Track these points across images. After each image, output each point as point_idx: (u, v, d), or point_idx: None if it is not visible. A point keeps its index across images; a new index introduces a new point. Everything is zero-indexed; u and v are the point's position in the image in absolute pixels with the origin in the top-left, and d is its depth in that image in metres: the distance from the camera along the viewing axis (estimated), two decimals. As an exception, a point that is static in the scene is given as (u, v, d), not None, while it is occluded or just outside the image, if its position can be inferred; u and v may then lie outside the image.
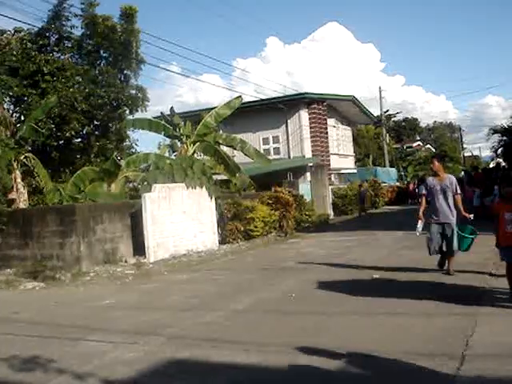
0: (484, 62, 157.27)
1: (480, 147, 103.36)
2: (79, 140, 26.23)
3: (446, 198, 10.80)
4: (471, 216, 10.82)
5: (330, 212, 31.70)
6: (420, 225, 11.17)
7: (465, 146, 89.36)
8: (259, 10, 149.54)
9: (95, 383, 5.92)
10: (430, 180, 11.20)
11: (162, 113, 25.45)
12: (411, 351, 6.16)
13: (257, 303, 9.72)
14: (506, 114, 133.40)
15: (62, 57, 26.06)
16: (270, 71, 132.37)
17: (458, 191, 10.94)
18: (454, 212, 10.83)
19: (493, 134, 31.46)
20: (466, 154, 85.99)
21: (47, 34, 25.88)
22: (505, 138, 29.81)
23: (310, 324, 7.88)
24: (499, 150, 30.72)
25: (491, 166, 38.72)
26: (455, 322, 7.34)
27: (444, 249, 10.89)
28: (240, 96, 24.93)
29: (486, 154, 64.98)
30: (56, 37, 26.09)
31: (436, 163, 11.17)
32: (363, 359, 6.14)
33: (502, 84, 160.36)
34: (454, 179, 11.11)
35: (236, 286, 11.77)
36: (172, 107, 23.98)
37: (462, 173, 40.72)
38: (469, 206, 21.83)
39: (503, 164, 31.00)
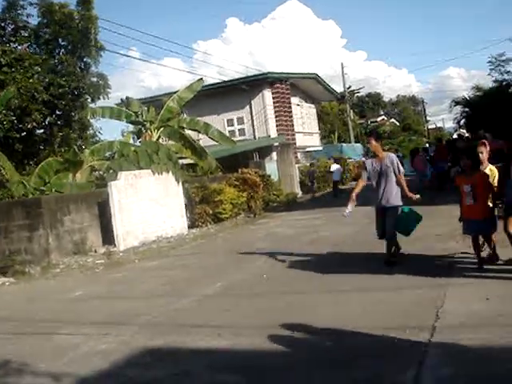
0: (445, 34, 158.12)
1: (443, 119, 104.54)
2: (42, 131, 25.91)
3: (387, 180, 9.64)
4: (417, 196, 9.65)
5: (298, 191, 31.77)
6: (350, 207, 9.90)
7: (428, 118, 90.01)
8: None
9: (70, 377, 5.89)
10: (369, 162, 10.00)
11: (122, 99, 25.24)
12: (383, 325, 6.24)
13: (228, 286, 9.75)
14: (468, 86, 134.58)
15: (20, 47, 25.64)
16: (231, 52, 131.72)
17: (401, 170, 9.77)
18: (399, 193, 9.71)
19: (455, 105, 31.79)
20: (430, 127, 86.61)
21: (2, 24, 25.41)
22: (467, 109, 30.12)
23: (282, 304, 7.92)
24: (462, 121, 31.03)
25: (454, 137, 39.10)
26: (425, 294, 7.43)
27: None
28: (201, 78, 24.84)
29: (450, 125, 65.54)
30: (12, 27, 25.63)
31: (373, 142, 9.89)
32: (336, 335, 6.22)
33: (463, 56, 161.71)
34: (394, 157, 9.89)
35: (207, 270, 11.80)
36: (127, 96, 23.80)
37: (427, 145, 41.10)
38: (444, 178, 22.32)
39: (466, 135, 31.35)
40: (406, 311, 6.79)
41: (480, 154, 8.99)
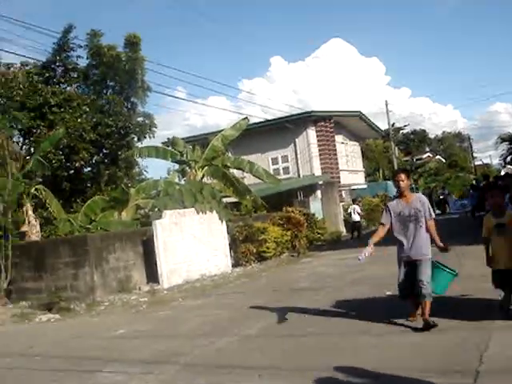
0: (490, 69, 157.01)
1: (490, 155, 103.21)
2: (89, 169, 26.49)
3: (417, 227, 8.12)
4: (450, 247, 8.29)
5: (342, 229, 31.60)
6: (366, 253, 8.30)
7: (475, 154, 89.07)
8: (261, 31, 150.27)
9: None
10: (394, 204, 8.47)
11: (168, 139, 25.62)
12: (425, 368, 6.14)
13: (269, 327, 9.70)
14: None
15: (69, 88, 26.41)
16: (275, 91, 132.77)
17: (432, 215, 8.30)
18: (429, 243, 8.20)
19: (501, 142, 31.47)
20: (476, 163, 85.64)
21: (53, 66, 26.25)
22: (513, 145, 29.79)
23: (323, 346, 7.86)
24: (508, 158, 30.70)
25: (502, 173, 38.58)
26: (468, 337, 7.30)
27: (416, 290, 8.07)
28: (246, 117, 25.06)
29: (497, 161, 64.75)
30: (62, 68, 26.47)
31: (405, 180, 8.36)
32: (379, 378, 6.14)
33: (510, 91, 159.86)
34: (424, 199, 8.45)
35: (249, 309, 11.76)
36: (173, 136, 24.11)
37: (474, 181, 40.58)
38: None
39: (513, 172, 30.90)
40: (448, 355, 6.68)
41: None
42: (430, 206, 8.33)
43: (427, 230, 8.21)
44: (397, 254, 8.41)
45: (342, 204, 33.33)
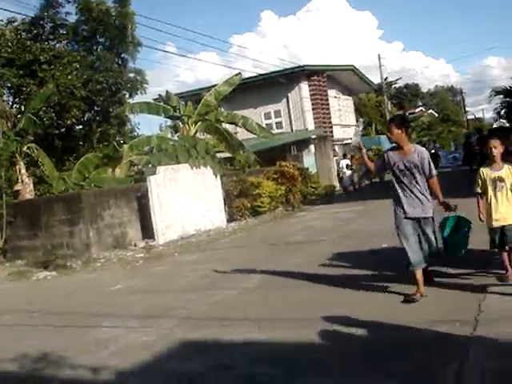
0: (483, 23, 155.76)
1: (483, 109, 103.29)
2: (81, 127, 26.36)
3: (413, 182, 7.29)
4: (455, 206, 7.42)
5: (336, 183, 31.66)
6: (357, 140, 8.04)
7: (467, 108, 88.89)
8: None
9: (112, 369, 5.96)
10: (390, 154, 7.51)
11: (160, 95, 25.37)
12: (426, 319, 6.16)
13: (266, 280, 9.73)
14: (508, 75, 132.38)
15: (58, 44, 26.10)
16: (267, 45, 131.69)
17: (433, 171, 7.37)
18: (430, 199, 7.38)
19: (495, 95, 31.29)
20: (469, 117, 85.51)
21: (41, 23, 25.87)
22: (507, 98, 29.62)
23: (322, 297, 7.87)
24: (502, 111, 30.58)
25: (494, 127, 38.51)
26: (467, 287, 7.31)
27: (426, 252, 7.33)
28: (239, 73, 24.82)
29: (490, 115, 64.59)
30: (50, 25, 26.10)
31: (394, 130, 7.32)
32: (377, 328, 6.18)
33: (503, 45, 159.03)
34: (425, 153, 7.42)
35: (245, 263, 11.78)
36: (167, 91, 23.89)
37: (473, 137, 40.63)
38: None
39: (507, 125, 30.79)
40: (449, 306, 6.71)
41: (493, 149, 7.36)
42: (430, 162, 7.33)
43: (429, 188, 7.35)
44: (393, 212, 7.50)
45: (335, 158, 33.31)
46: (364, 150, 8.00)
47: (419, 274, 7.20)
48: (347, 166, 29.49)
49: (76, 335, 7.67)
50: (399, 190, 7.36)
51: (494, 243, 7.45)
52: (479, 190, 7.56)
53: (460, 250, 7.64)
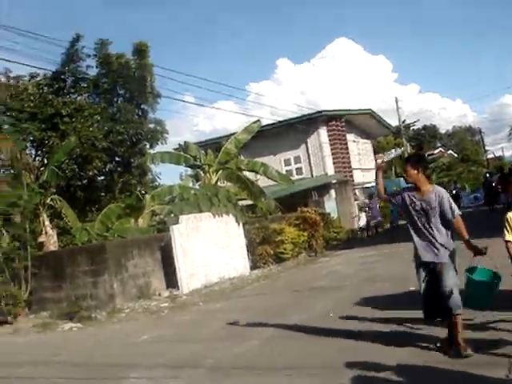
0: (497, 61, 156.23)
1: (502, 148, 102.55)
2: (102, 178, 26.57)
3: (429, 224, 6.79)
4: (485, 248, 6.59)
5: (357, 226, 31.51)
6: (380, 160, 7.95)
7: (487, 147, 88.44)
8: (266, 34, 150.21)
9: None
10: (408, 193, 7.08)
11: (179, 144, 25.58)
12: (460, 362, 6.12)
13: (292, 327, 9.61)
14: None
15: (79, 97, 26.48)
16: (283, 92, 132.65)
17: (456, 212, 6.76)
18: (449, 244, 6.78)
19: (514, 133, 31.27)
20: (488, 156, 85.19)
21: (62, 77, 26.30)
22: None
23: (349, 344, 7.80)
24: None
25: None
26: (498, 329, 7.22)
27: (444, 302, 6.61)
28: (258, 120, 25.07)
29: (510, 153, 64.44)
30: (72, 78, 26.54)
31: (410, 170, 6.97)
32: (403, 373, 6.10)
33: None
34: (444, 193, 6.90)
35: (269, 311, 11.72)
36: (185, 141, 24.11)
37: (487, 175, 40.45)
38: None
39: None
40: (482, 347, 6.62)
41: None
42: (451, 202, 6.84)
43: (449, 230, 6.81)
44: (413, 255, 7.12)
45: (356, 202, 33.23)
46: (380, 174, 7.62)
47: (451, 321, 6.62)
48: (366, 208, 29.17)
49: (103, 387, 7.64)
50: (413, 232, 6.96)
51: None
52: (510, 238, 6.65)
53: (485, 304, 6.88)
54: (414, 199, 6.90)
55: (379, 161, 7.78)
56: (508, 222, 6.63)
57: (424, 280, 6.86)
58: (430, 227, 6.79)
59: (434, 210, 6.74)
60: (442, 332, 6.99)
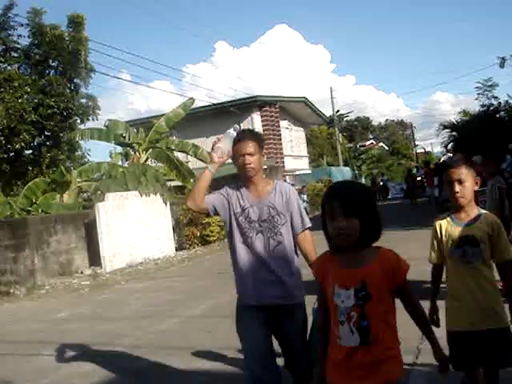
0: (432, 59, 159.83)
1: (432, 143, 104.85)
2: (30, 151, 25.90)
3: (271, 242, 4.25)
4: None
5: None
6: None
7: (417, 142, 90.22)
8: (207, 16, 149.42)
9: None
10: (234, 192, 4.46)
11: (108, 120, 24.99)
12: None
13: (213, 308, 9.69)
14: (456, 110, 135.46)
15: (9, 67, 25.71)
16: (220, 76, 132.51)
17: (306, 224, 4.41)
18: (298, 272, 4.35)
19: (443, 129, 31.86)
20: (418, 151, 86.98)
21: (-8, 45, 25.51)
22: (454, 133, 30.23)
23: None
24: (449, 145, 31.17)
25: (443, 160, 39.22)
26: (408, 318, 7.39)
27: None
28: (192, 98, 24.89)
29: (438, 149, 65.92)
30: (2, 47, 25.72)
31: (251, 149, 4.36)
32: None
33: (449, 81, 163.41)
34: (293, 192, 4.45)
35: (192, 292, 11.75)
36: (110, 119, 23.67)
37: (415, 169, 41.32)
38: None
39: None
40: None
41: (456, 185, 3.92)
42: (301, 207, 4.44)
43: (298, 249, 4.38)
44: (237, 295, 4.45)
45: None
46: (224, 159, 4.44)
47: None
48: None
49: (15, 363, 7.49)
50: (241, 255, 4.33)
51: (457, 360, 3.85)
52: (435, 260, 4.09)
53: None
54: (246, 202, 4.34)
55: (218, 146, 4.38)
56: (435, 232, 4.03)
57: (256, 331, 4.17)
58: (269, 246, 4.25)
59: (282, 217, 4.27)
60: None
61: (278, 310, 4.20)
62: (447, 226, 3.97)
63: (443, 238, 3.97)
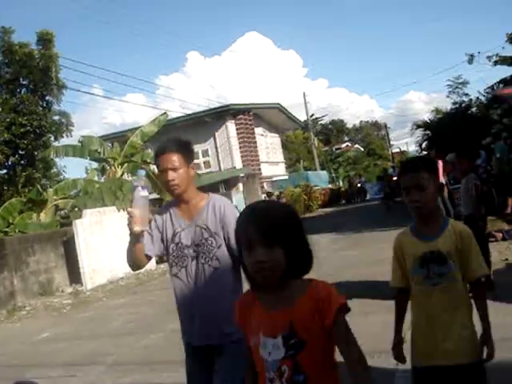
0: (403, 59, 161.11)
1: (407, 142, 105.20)
2: (4, 171, 25.78)
3: (204, 270, 3.61)
4: None
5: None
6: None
7: (392, 142, 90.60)
8: (177, 26, 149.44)
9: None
10: (161, 216, 3.80)
11: (82, 137, 24.82)
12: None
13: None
14: (429, 108, 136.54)
15: (-21, 87, 25.59)
16: (193, 86, 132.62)
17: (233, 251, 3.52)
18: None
19: (416, 128, 32.09)
20: (394, 151, 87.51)
21: (-39, 65, 25.38)
22: (428, 131, 30.44)
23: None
24: (423, 144, 31.38)
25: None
26: (391, 318, 7.39)
27: None
28: (165, 112, 24.88)
29: (413, 148, 66.36)
30: (-29, 67, 25.62)
31: (174, 162, 3.65)
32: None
33: (421, 80, 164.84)
34: (230, 211, 3.71)
35: (174, 305, 11.63)
36: (84, 136, 23.53)
37: (391, 169, 41.54)
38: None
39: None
40: (374, 335, 6.77)
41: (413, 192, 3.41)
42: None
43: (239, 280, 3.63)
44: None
45: (263, 195, 33.53)
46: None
47: None
48: None
49: (-2, 388, 7.42)
50: (176, 289, 3.86)
51: None
52: (398, 283, 3.42)
53: None
54: (176, 222, 3.73)
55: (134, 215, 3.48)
56: (395, 251, 3.38)
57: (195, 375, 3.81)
58: (204, 275, 3.63)
59: (216, 239, 3.60)
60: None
61: (214, 350, 3.61)
62: (408, 241, 3.29)
63: (405, 256, 3.28)
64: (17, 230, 17.92)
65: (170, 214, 3.76)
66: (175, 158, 3.63)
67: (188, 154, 3.77)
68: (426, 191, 3.13)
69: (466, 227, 3.22)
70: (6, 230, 18.06)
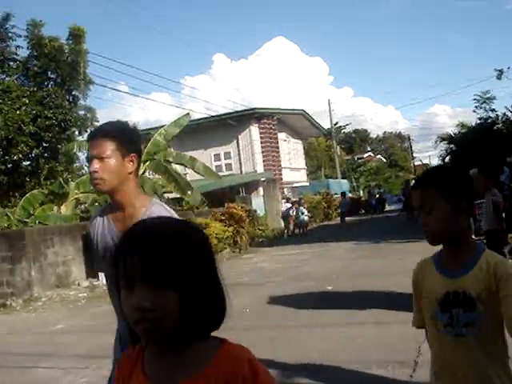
0: (429, 72, 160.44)
1: (430, 155, 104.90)
2: (28, 163, 25.96)
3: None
4: None
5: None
6: None
7: (415, 154, 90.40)
8: (205, 28, 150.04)
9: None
10: (95, 228, 3.14)
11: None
12: (365, 360, 6.20)
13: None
14: (454, 123, 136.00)
15: (8, 78, 25.78)
16: (218, 88, 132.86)
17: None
18: None
19: (440, 141, 31.95)
20: (416, 163, 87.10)
21: (-11, 56, 25.61)
22: (451, 145, 30.30)
23: (264, 338, 7.85)
24: (447, 158, 31.20)
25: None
26: (406, 329, 7.37)
27: None
28: (188, 113, 24.90)
29: (436, 161, 65.96)
30: (0, 58, 25.81)
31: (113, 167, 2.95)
32: (318, 370, 6.16)
33: (447, 93, 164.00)
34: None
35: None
36: None
37: (413, 181, 41.38)
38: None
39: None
40: (387, 347, 6.76)
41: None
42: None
43: None
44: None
45: (283, 201, 33.50)
46: None
47: None
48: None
49: (11, 376, 7.44)
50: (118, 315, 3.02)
51: None
52: (421, 325, 2.68)
53: None
54: (107, 233, 3.09)
55: None
56: (414, 283, 2.68)
57: None
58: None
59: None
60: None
61: None
62: (428, 275, 2.56)
63: (423, 293, 2.57)
64: (37, 222, 18.01)
65: (104, 222, 3.09)
66: (105, 144, 2.92)
67: (127, 142, 3.01)
68: (434, 213, 2.41)
69: (502, 260, 2.44)
70: (27, 220, 18.16)
